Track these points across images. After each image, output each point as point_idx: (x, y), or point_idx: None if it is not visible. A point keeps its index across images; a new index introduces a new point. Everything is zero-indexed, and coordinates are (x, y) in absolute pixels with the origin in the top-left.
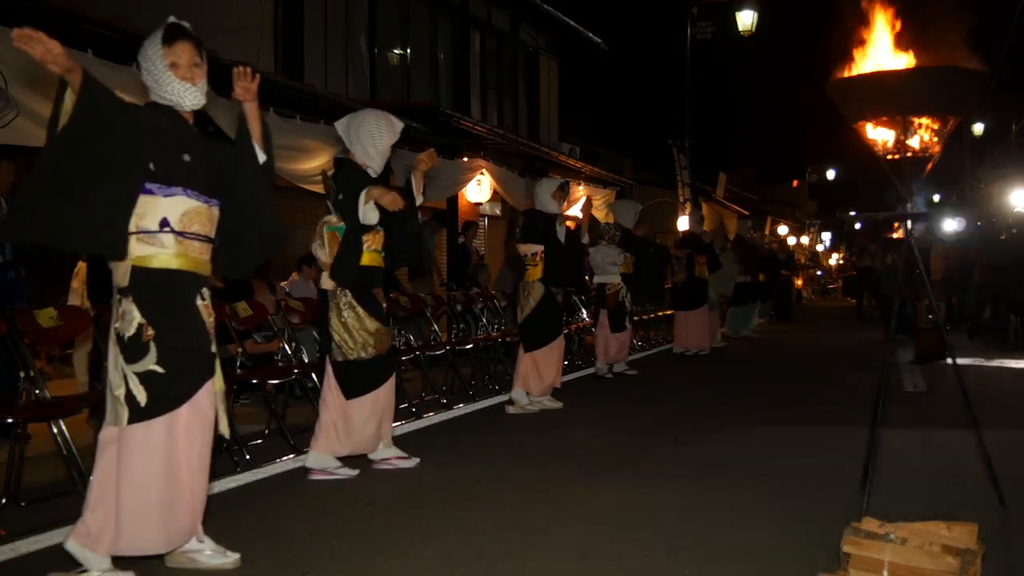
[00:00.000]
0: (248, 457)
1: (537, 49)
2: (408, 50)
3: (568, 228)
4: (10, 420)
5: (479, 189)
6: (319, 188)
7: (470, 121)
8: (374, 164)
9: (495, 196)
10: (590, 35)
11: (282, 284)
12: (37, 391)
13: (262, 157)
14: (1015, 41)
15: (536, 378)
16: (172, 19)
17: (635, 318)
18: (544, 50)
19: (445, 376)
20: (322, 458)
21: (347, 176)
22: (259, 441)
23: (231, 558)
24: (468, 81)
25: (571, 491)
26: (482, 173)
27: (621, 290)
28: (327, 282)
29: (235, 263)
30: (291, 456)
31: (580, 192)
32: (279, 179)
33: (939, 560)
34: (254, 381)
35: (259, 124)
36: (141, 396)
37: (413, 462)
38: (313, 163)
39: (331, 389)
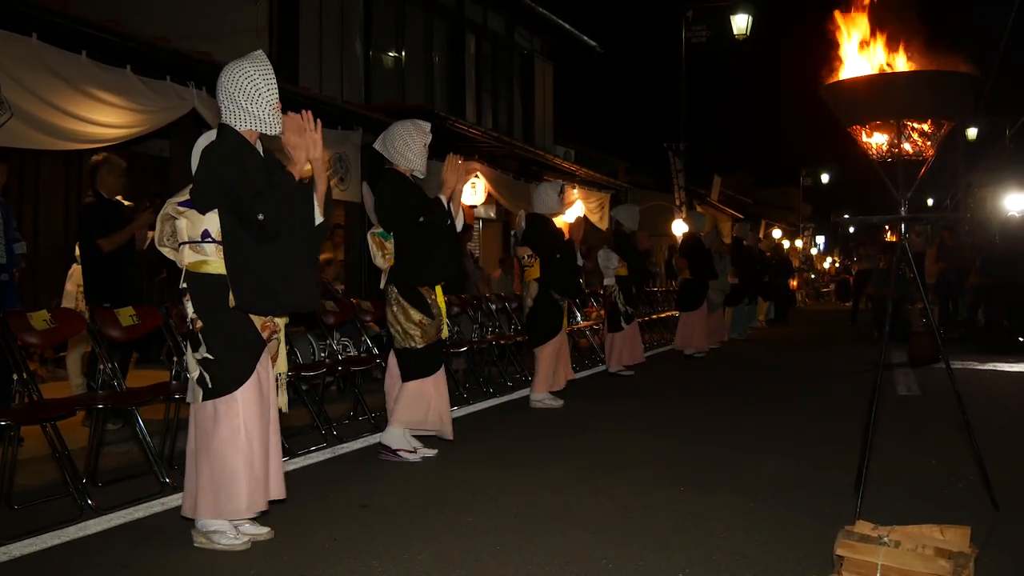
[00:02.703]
0: None
1: (532, 52)
2: (403, 53)
3: (568, 242)
4: (3, 423)
5: (474, 192)
6: None
7: (465, 124)
8: (416, 165)
9: (490, 199)
10: (585, 38)
11: None
12: (31, 393)
13: (319, 218)
14: (1009, 45)
15: (556, 374)
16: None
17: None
18: (539, 53)
19: None
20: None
21: (392, 184)
22: None
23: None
24: (463, 84)
25: (567, 493)
26: (476, 176)
27: (614, 292)
28: (383, 283)
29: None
30: (285, 459)
31: (574, 196)
32: None
33: (932, 563)
34: None
35: (324, 183)
36: (206, 378)
37: (418, 456)
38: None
39: (389, 375)
